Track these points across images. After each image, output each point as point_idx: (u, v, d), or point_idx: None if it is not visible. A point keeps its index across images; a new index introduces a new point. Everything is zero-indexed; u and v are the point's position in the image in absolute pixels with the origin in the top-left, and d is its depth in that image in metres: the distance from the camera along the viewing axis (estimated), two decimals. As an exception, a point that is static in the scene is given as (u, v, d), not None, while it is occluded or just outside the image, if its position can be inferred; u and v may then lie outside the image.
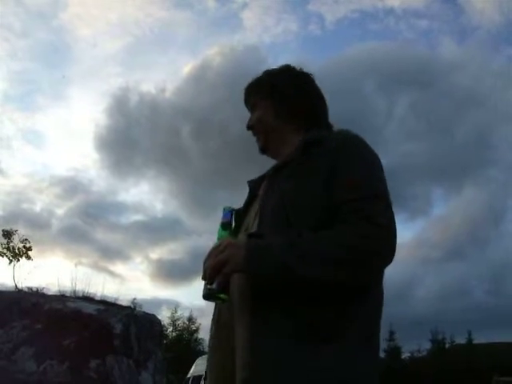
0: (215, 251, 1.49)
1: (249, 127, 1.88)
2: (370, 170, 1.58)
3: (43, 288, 6.85)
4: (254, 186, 1.80)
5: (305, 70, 1.89)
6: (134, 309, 7.51)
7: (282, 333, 1.41)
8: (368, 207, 1.45)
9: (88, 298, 6.47)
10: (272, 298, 1.43)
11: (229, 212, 1.67)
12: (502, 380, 23.40)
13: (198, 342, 45.20)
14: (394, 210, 1.54)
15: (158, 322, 7.13)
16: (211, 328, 1.72)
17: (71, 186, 76.34)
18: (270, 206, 1.58)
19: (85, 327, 5.36)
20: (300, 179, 1.56)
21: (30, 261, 7.48)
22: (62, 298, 6.28)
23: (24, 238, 7.56)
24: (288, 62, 1.90)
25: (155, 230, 72.80)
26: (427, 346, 44.63)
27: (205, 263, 1.52)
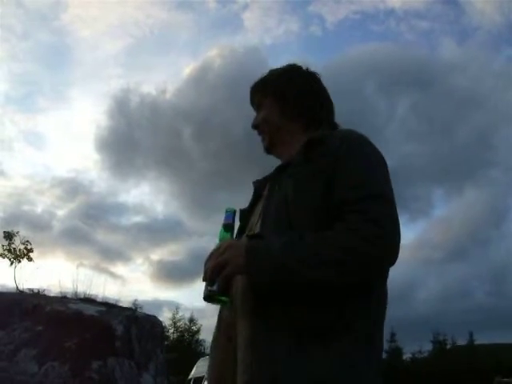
0: (216, 253, 1.49)
1: (254, 126, 1.87)
2: (373, 169, 1.55)
3: (44, 290, 6.87)
4: (258, 186, 1.80)
5: (311, 69, 1.88)
6: (135, 310, 7.50)
7: (283, 334, 1.41)
8: (370, 207, 1.43)
9: (89, 300, 6.48)
10: (273, 299, 1.43)
11: (231, 213, 1.66)
12: (503, 381, 23.35)
13: (199, 343, 45.28)
14: (396, 210, 1.52)
15: (159, 323, 7.13)
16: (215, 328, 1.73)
17: (72, 188, 76.84)
18: (273, 207, 1.58)
19: (86, 329, 5.36)
20: (302, 180, 1.55)
21: (32, 262, 7.50)
22: (63, 299, 6.28)
23: (25, 239, 7.57)
24: (290, 63, 1.89)
25: (156, 231, 73.10)
26: (428, 347, 44.65)
27: (206, 265, 1.52)
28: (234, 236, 1.70)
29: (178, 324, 44.95)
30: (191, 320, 45.36)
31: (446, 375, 36.74)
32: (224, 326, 1.64)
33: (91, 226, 75.52)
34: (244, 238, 1.60)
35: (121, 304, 7.06)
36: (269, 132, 1.82)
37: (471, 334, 44.47)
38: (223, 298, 1.52)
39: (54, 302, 5.85)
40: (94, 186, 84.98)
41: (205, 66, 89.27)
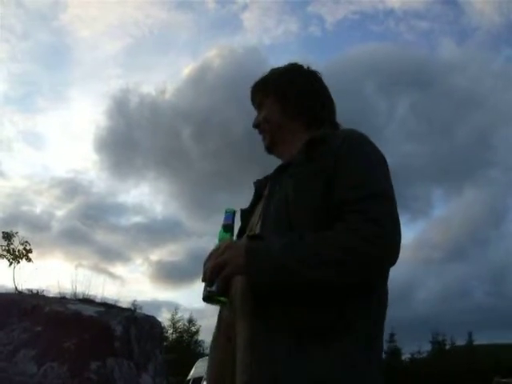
0: (215, 253, 1.49)
1: (255, 126, 1.86)
2: (374, 168, 1.54)
3: (43, 290, 6.85)
4: (259, 186, 1.79)
5: (312, 68, 1.87)
6: (135, 311, 7.49)
7: (283, 335, 1.41)
8: (370, 207, 1.42)
9: (88, 300, 6.47)
10: (273, 299, 1.43)
11: (230, 214, 1.65)
12: (502, 381, 23.36)
13: (198, 343, 45.25)
14: (395, 210, 1.51)
15: (158, 323, 7.12)
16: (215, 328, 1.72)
17: (71, 188, 76.87)
18: (273, 208, 1.57)
19: (85, 329, 5.36)
20: (303, 179, 1.54)
21: (30, 263, 7.49)
22: (62, 300, 6.27)
23: (24, 240, 7.57)
24: (292, 62, 1.88)
25: (155, 231, 73.12)
26: (427, 347, 44.65)
27: (205, 265, 1.52)
28: (234, 236, 1.69)
29: (177, 325, 44.96)
30: (190, 321, 45.38)
31: (445, 375, 36.75)
32: (224, 327, 1.64)
33: (90, 226, 75.67)
34: (244, 239, 1.60)
35: (120, 304, 7.06)
36: (270, 131, 1.81)
37: (470, 335, 44.52)
38: (222, 299, 1.52)
39: (53, 303, 5.84)
40: (93, 187, 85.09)
41: (204, 67, 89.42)
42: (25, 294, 6.67)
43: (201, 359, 15.15)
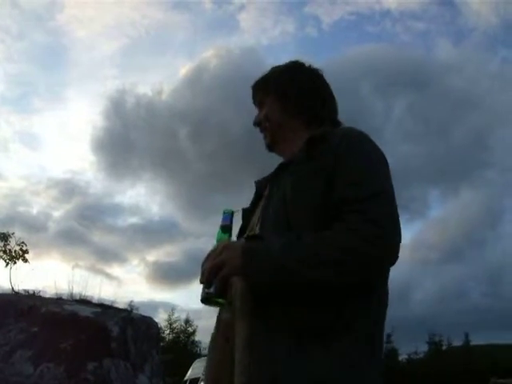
0: (213, 254, 1.48)
1: (256, 124, 1.85)
2: (373, 166, 1.53)
3: (40, 291, 6.86)
4: (260, 185, 1.79)
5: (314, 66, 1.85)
6: (131, 311, 7.49)
7: (283, 335, 1.40)
8: (369, 207, 1.41)
9: (85, 301, 6.47)
10: (272, 300, 1.42)
11: (228, 215, 1.64)
12: (499, 382, 23.42)
13: (194, 344, 45.23)
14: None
15: (155, 324, 7.12)
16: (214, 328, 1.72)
17: (68, 189, 76.75)
18: (272, 209, 1.57)
19: (82, 330, 5.35)
20: (303, 178, 1.53)
21: (27, 263, 7.49)
22: (58, 300, 6.27)
23: (21, 240, 7.57)
24: (293, 60, 1.87)
25: (152, 232, 73.08)
26: (424, 347, 44.69)
27: (203, 266, 1.51)
28: (234, 236, 1.69)
29: (174, 325, 44.95)
30: (187, 321, 45.37)
31: (442, 376, 36.79)
32: (223, 327, 1.63)
33: (87, 227, 75.75)
34: (242, 240, 1.60)
35: (116, 305, 7.07)
36: (270, 129, 1.80)
37: (467, 335, 44.63)
38: (220, 300, 1.51)
39: (50, 304, 5.84)
40: (90, 187, 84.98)
41: (201, 67, 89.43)
42: (21, 294, 6.66)
43: (198, 360, 15.16)
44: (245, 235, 1.68)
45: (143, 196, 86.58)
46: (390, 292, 1.56)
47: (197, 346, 44.86)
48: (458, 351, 42.56)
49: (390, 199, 1.48)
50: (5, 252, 7.36)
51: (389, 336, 41.91)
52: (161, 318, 42.70)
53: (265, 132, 1.83)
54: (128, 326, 5.82)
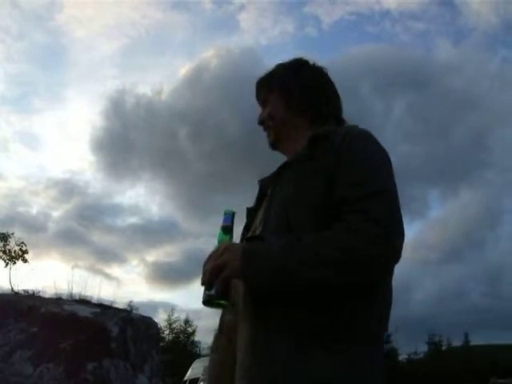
0: (214, 255, 1.48)
1: (260, 122, 1.84)
2: (376, 165, 1.50)
3: (39, 291, 6.86)
4: (263, 184, 1.77)
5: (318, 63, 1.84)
6: (131, 312, 7.49)
7: (283, 336, 1.39)
8: (371, 206, 1.39)
9: (84, 301, 6.47)
10: (273, 301, 1.41)
11: (229, 215, 1.63)
12: (499, 382, 23.39)
13: (194, 344, 45.21)
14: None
15: (155, 324, 7.13)
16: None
17: (67, 189, 76.50)
18: (274, 208, 1.56)
19: (81, 330, 5.35)
20: (303, 178, 1.52)
21: (27, 264, 7.50)
22: (58, 301, 6.27)
23: (20, 240, 7.58)
24: (297, 57, 1.86)
25: (151, 232, 72.95)
26: (424, 348, 44.66)
27: (204, 267, 1.50)
28: (240, 234, 1.70)
29: (174, 325, 44.89)
30: (187, 321, 45.33)
31: (442, 376, 36.76)
32: (225, 328, 1.63)
33: (86, 227, 75.59)
34: (244, 241, 1.60)
35: (116, 305, 7.07)
36: (274, 127, 1.78)
37: (466, 335, 44.58)
38: (222, 302, 1.51)
39: (49, 304, 5.84)
40: (90, 187, 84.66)
41: (201, 67, 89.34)
42: (21, 294, 6.66)
43: (197, 360, 15.15)
44: (248, 235, 1.67)
45: (143, 196, 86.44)
46: (390, 292, 1.55)
47: (196, 346, 44.89)
48: (458, 351, 42.55)
49: (393, 198, 1.46)
50: (4, 252, 7.37)
51: (388, 336, 41.88)
52: (160, 318, 42.71)
53: (268, 130, 1.81)
54: (128, 326, 5.82)
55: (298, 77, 1.78)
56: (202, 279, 1.50)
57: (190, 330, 45.38)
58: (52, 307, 5.67)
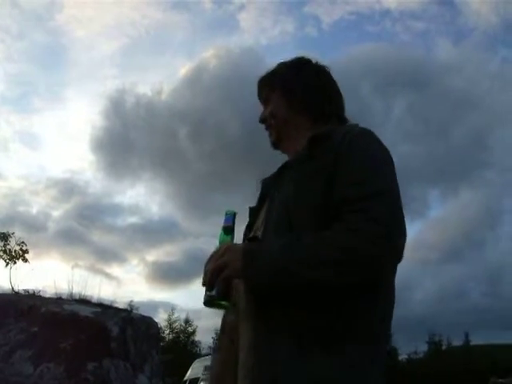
0: (215, 256, 1.47)
1: (261, 121, 1.82)
2: (377, 164, 1.48)
3: (40, 291, 6.86)
4: (265, 184, 1.76)
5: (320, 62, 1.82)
6: (131, 311, 7.49)
7: (283, 336, 1.39)
8: (371, 206, 1.37)
9: (85, 301, 6.47)
10: (273, 301, 1.41)
11: (231, 216, 1.62)
12: (498, 381, 23.41)
13: (194, 344, 45.24)
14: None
15: (155, 324, 7.13)
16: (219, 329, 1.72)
17: (67, 188, 76.61)
18: (275, 209, 1.56)
19: (81, 330, 5.36)
20: (303, 179, 1.51)
21: (27, 263, 7.49)
22: (58, 300, 6.27)
23: (20, 240, 7.58)
24: (299, 56, 1.84)
25: (151, 232, 73.00)
26: (424, 347, 44.68)
27: (205, 268, 1.50)
28: (243, 233, 1.69)
29: (174, 325, 44.95)
30: (187, 321, 45.38)
31: (442, 376, 36.77)
32: (228, 329, 1.62)
33: (86, 226, 75.75)
34: (246, 241, 1.60)
35: (116, 305, 7.06)
36: (276, 126, 1.77)
37: (467, 335, 44.65)
38: (223, 303, 1.51)
39: (50, 303, 5.84)
40: (90, 187, 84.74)
41: (200, 67, 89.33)
42: (21, 294, 6.66)
43: (197, 360, 15.14)
44: (250, 235, 1.67)
45: (143, 196, 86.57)
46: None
47: (196, 346, 44.92)
48: (458, 351, 42.57)
49: (395, 198, 1.44)
50: (5, 252, 7.37)
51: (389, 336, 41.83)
52: (160, 318, 42.71)
53: (270, 129, 1.80)
54: (128, 325, 5.82)
55: (299, 75, 1.76)
56: (203, 280, 1.50)
57: (190, 329, 45.47)
58: (52, 307, 5.67)
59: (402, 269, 1.50)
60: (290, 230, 1.47)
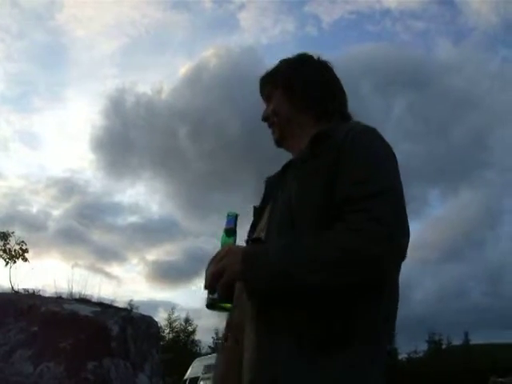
0: (216, 259, 1.48)
1: (264, 119, 1.81)
2: (379, 162, 1.46)
3: (39, 290, 6.85)
4: (269, 183, 1.76)
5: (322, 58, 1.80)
6: (131, 311, 7.49)
7: (283, 337, 1.39)
8: (373, 205, 1.35)
9: (84, 300, 6.46)
10: (274, 302, 1.41)
11: (233, 218, 1.62)
12: (498, 381, 23.41)
13: (194, 343, 45.28)
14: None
15: (155, 323, 7.12)
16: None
17: (67, 188, 76.77)
18: (278, 209, 1.55)
19: (81, 329, 5.35)
20: (305, 178, 1.50)
21: (27, 263, 7.49)
22: (58, 299, 6.27)
23: (20, 239, 7.57)
24: (301, 52, 1.84)
25: (151, 231, 73.05)
26: (424, 347, 44.68)
27: (206, 271, 1.50)
28: (247, 232, 1.70)
29: (174, 324, 44.97)
30: (187, 320, 45.40)
31: (442, 375, 36.78)
32: (233, 329, 1.62)
33: (86, 226, 75.65)
34: (249, 243, 1.60)
35: (116, 304, 7.05)
36: (279, 124, 1.75)
37: (466, 334, 44.66)
38: (225, 305, 1.51)
39: (49, 303, 5.84)
40: (90, 186, 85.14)
41: (201, 66, 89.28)
42: (21, 293, 6.66)
43: (197, 359, 15.16)
44: (254, 235, 1.67)
45: (143, 195, 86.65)
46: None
47: (197, 345, 44.95)
48: (458, 350, 42.58)
49: (398, 197, 1.43)
50: (4, 251, 7.36)
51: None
52: (161, 317, 42.72)
53: (273, 127, 1.78)
54: (128, 325, 5.82)
55: (302, 72, 1.75)
56: (204, 283, 1.50)
57: (190, 328, 45.51)
58: (52, 306, 5.67)
59: (402, 268, 1.49)
60: (293, 230, 1.46)
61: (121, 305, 7.63)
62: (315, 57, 1.80)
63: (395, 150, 1.55)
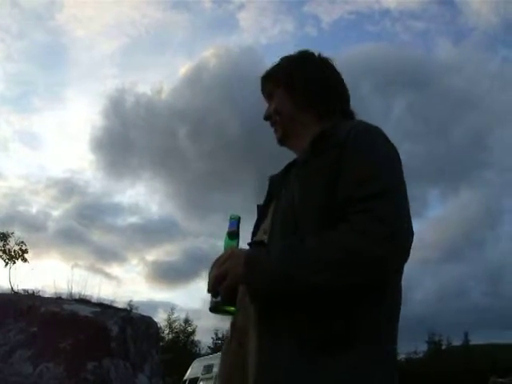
0: (218, 262, 1.47)
1: (266, 118, 1.79)
2: (382, 161, 1.45)
3: (39, 290, 6.85)
4: (272, 182, 1.75)
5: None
6: (131, 311, 7.49)
7: (285, 340, 1.39)
8: (376, 205, 1.34)
9: (84, 301, 6.46)
10: (276, 306, 1.40)
11: (235, 221, 1.61)
12: (498, 381, 23.42)
13: (194, 344, 45.23)
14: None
15: (155, 324, 7.12)
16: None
17: (67, 188, 76.74)
18: (281, 210, 1.54)
19: (81, 330, 5.35)
20: (307, 178, 1.49)
21: (26, 263, 7.49)
22: (58, 300, 6.27)
23: (20, 240, 7.57)
24: (302, 50, 1.81)
25: (151, 231, 72.98)
26: (424, 347, 44.66)
27: (210, 274, 1.50)
28: (251, 231, 1.70)
29: (174, 325, 44.89)
30: (186, 321, 45.33)
31: (442, 376, 36.77)
32: (236, 332, 1.61)
33: (86, 226, 75.79)
34: (253, 245, 1.60)
35: (116, 305, 7.06)
36: (281, 123, 1.73)
37: (466, 335, 44.65)
38: (229, 309, 1.50)
39: (49, 303, 5.84)
40: (89, 187, 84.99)
41: (200, 66, 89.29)
42: (21, 294, 6.66)
43: (197, 359, 15.13)
44: (257, 236, 1.67)
45: (142, 195, 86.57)
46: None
47: (196, 346, 44.92)
48: (458, 351, 42.58)
49: (401, 196, 1.42)
50: (4, 252, 7.36)
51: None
52: (160, 318, 42.68)
53: (275, 126, 1.77)
54: (127, 325, 5.82)
55: (303, 70, 1.73)
56: (207, 286, 1.50)
57: (189, 329, 45.43)
58: (52, 307, 5.67)
59: (402, 268, 1.49)
60: (297, 229, 1.45)
61: (120, 305, 7.64)
62: (316, 54, 1.78)
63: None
